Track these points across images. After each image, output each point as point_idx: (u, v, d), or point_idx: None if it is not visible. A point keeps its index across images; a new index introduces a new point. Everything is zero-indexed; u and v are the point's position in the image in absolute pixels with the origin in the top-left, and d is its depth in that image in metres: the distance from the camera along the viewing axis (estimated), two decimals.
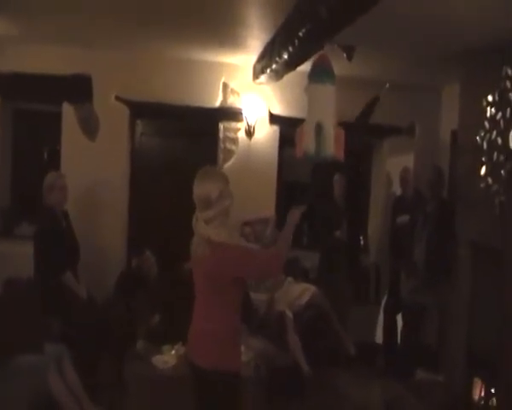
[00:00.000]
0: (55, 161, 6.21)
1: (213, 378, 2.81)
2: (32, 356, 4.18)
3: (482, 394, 4.27)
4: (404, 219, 5.78)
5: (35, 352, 4.23)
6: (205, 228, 2.85)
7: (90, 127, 5.94)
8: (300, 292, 5.55)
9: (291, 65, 4.95)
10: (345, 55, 4.82)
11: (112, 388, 4.43)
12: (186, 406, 4.03)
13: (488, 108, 4.73)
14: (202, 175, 2.90)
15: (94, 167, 5.99)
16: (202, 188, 2.84)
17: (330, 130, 4.29)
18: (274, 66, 5.10)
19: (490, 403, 4.15)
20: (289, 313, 5.27)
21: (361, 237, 6.89)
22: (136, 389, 4.10)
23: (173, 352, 4.33)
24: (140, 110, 6.24)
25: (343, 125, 4.54)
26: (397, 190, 6.45)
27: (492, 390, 4.16)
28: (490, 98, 4.71)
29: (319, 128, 4.27)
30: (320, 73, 4.44)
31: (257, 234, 5.80)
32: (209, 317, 2.87)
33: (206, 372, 2.82)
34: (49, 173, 5.11)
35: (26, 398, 3.83)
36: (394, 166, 6.53)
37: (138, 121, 6.44)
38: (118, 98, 6.06)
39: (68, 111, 5.92)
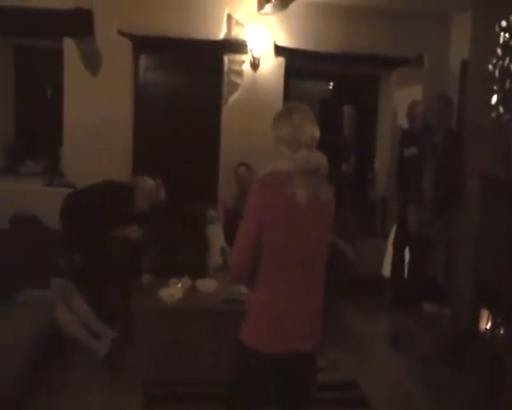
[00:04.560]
0: (58, 99, 6.12)
1: (313, 357, 2.44)
2: (38, 291, 4.22)
3: (489, 324, 4.27)
4: (411, 151, 5.69)
5: (42, 287, 4.27)
6: (323, 158, 2.33)
7: (92, 62, 5.82)
8: None
9: None
10: None
11: (119, 321, 4.46)
12: (192, 338, 4.12)
13: (501, 34, 4.57)
14: (309, 113, 2.36)
15: (97, 104, 5.90)
16: (315, 129, 2.34)
17: None
18: None
19: (496, 333, 4.16)
20: None
21: (368, 171, 6.79)
22: (143, 321, 4.12)
23: (179, 285, 4.33)
24: (143, 44, 6.08)
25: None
26: (403, 123, 6.31)
27: (499, 320, 4.16)
28: (504, 23, 4.54)
29: None
30: None
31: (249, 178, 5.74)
32: (318, 288, 2.40)
33: (307, 354, 2.39)
34: None
35: (33, 332, 3.87)
36: (402, 98, 6.38)
37: (142, 56, 6.27)
38: (120, 32, 5.91)
39: (70, 47, 5.80)
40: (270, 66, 6.25)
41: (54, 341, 4.10)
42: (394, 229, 6.04)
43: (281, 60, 6.27)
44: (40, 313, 4.02)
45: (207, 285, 4.44)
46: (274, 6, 5.51)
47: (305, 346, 2.36)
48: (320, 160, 2.30)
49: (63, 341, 4.18)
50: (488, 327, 4.25)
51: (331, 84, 7.46)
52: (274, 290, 2.31)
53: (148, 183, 5.04)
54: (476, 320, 4.38)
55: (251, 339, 2.33)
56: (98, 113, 5.89)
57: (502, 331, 4.08)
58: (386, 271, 6.10)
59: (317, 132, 2.34)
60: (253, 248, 2.27)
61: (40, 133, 6.39)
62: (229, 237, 5.28)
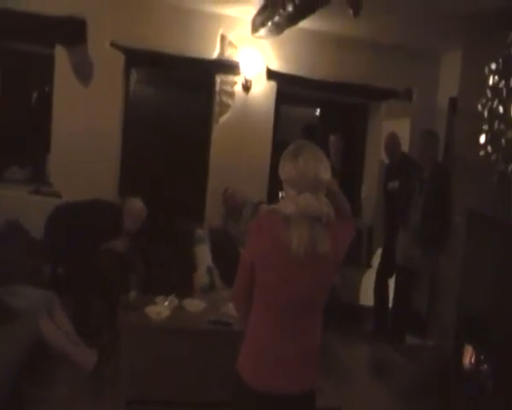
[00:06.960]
0: (43, 104, 6.05)
1: (310, 397, 2.37)
2: (21, 300, 4.14)
3: (473, 360, 4.32)
4: (393, 184, 5.76)
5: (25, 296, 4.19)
6: (327, 206, 2.19)
7: (83, 72, 5.81)
8: None
9: (295, 18, 4.85)
10: (351, 11, 4.70)
11: (104, 336, 4.41)
12: (177, 357, 4.08)
13: (491, 76, 4.69)
14: (315, 155, 2.22)
15: (86, 113, 5.84)
16: (322, 171, 2.19)
17: None
18: (276, 18, 4.99)
19: (480, 369, 4.22)
20: None
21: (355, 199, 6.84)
22: (129, 338, 4.07)
23: (166, 303, 4.30)
24: (136, 58, 6.07)
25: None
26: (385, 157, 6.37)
27: (483, 356, 4.22)
28: (493, 66, 4.65)
29: None
30: None
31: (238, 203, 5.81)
32: (312, 331, 2.33)
33: (300, 396, 2.31)
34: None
35: (15, 343, 3.79)
36: (391, 129, 6.45)
37: (133, 69, 6.26)
38: (113, 45, 5.88)
39: (61, 55, 5.76)
40: (262, 89, 6.30)
41: (36, 354, 4.02)
42: (379, 258, 6.09)
43: (272, 84, 6.34)
44: (23, 324, 3.93)
45: (195, 305, 4.42)
46: (269, 30, 5.55)
47: (291, 389, 2.27)
48: (323, 207, 2.16)
49: (45, 354, 4.10)
50: (472, 362, 4.31)
51: (318, 110, 7.55)
52: (261, 330, 2.28)
53: (137, 205, 5.02)
54: (460, 355, 4.43)
55: (240, 369, 2.32)
56: (87, 123, 5.83)
57: (485, 367, 4.15)
58: (370, 300, 6.11)
59: (324, 175, 2.19)
60: (248, 283, 2.27)
61: (26, 139, 6.29)
62: (217, 256, 5.29)
